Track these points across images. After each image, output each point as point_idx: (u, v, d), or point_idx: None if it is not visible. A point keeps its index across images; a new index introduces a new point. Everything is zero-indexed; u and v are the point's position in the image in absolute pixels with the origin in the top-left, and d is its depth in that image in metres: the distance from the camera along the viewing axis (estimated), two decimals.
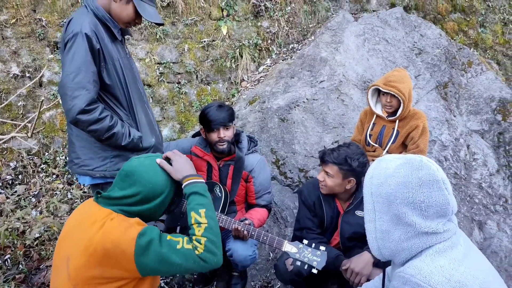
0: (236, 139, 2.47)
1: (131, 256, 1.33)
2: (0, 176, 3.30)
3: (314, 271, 1.88)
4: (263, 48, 4.54)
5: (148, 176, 1.47)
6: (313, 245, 1.94)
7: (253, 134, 3.53)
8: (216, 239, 1.42)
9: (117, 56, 1.97)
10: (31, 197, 3.27)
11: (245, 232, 2.15)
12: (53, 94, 3.60)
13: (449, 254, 1.12)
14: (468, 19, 5.44)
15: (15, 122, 3.20)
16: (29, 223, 2.94)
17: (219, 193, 2.38)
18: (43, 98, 3.49)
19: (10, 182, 3.34)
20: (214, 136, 2.32)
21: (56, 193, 3.32)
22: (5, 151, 3.40)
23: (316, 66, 4.05)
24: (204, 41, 4.23)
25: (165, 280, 2.72)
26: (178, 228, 2.22)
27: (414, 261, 1.13)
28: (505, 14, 5.63)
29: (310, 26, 4.78)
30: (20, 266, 2.72)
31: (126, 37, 2.18)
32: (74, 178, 3.47)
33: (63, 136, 3.59)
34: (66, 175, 3.49)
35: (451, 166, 3.52)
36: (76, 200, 3.29)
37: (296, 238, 2.36)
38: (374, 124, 2.85)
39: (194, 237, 1.41)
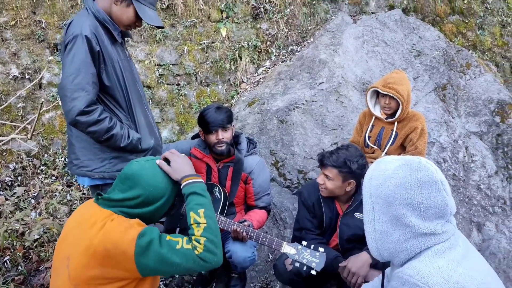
0: (235, 141, 2.47)
1: (131, 256, 1.33)
2: None
3: (313, 272, 1.88)
4: (262, 50, 4.55)
5: (149, 179, 1.47)
6: (312, 246, 1.94)
7: (252, 135, 3.53)
8: (215, 239, 1.42)
9: (116, 58, 1.98)
10: (30, 198, 3.28)
11: (244, 233, 2.16)
12: (53, 96, 3.60)
13: (448, 255, 1.13)
14: (466, 21, 5.46)
15: (14, 124, 3.20)
16: (28, 224, 2.94)
17: (218, 195, 2.38)
18: (42, 100, 3.50)
19: (10, 184, 3.34)
20: (212, 138, 2.33)
21: (55, 195, 3.33)
22: (5, 153, 3.40)
23: (315, 68, 4.06)
24: (204, 43, 4.24)
25: (164, 282, 2.72)
26: (178, 229, 2.23)
27: (413, 262, 1.14)
28: (503, 16, 5.65)
29: (309, 28, 4.80)
30: (20, 267, 2.72)
31: (125, 39, 2.19)
32: (74, 180, 3.48)
33: (63, 138, 3.60)
34: (65, 177, 3.49)
35: (450, 168, 3.53)
36: (75, 202, 3.30)
37: (296, 238, 2.37)
38: (373, 125, 2.86)
39: (193, 237, 1.41)
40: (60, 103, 3.55)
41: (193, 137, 2.63)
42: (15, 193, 3.25)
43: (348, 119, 3.70)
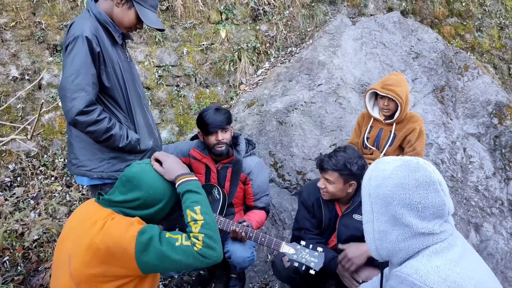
0: (234, 142, 2.48)
1: (132, 254, 1.34)
2: None
3: (312, 272, 1.90)
4: (261, 52, 4.57)
5: (149, 182, 1.48)
6: (311, 246, 1.95)
7: (252, 137, 3.55)
8: (213, 234, 1.42)
9: (117, 60, 1.99)
10: (29, 199, 3.28)
11: (243, 233, 2.17)
12: (52, 97, 3.61)
13: (446, 254, 1.14)
14: (465, 23, 5.49)
15: (14, 125, 3.20)
16: (27, 225, 2.94)
17: (217, 195, 2.39)
18: (43, 100, 3.50)
19: (9, 184, 3.34)
20: (212, 139, 2.34)
21: (54, 195, 3.33)
22: (4, 153, 3.41)
23: (314, 70, 4.08)
24: (203, 45, 4.25)
25: (163, 282, 2.73)
26: (177, 229, 2.24)
27: (411, 261, 1.15)
28: (501, 18, 5.68)
29: (308, 30, 4.82)
30: (19, 268, 2.72)
31: (126, 40, 2.21)
32: (73, 181, 3.48)
33: (62, 139, 3.60)
34: (64, 177, 3.49)
35: (448, 169, 3.55)
36: (74, 202, 3.30)
37: (295, 237, 2.38)
38: (371, 127, 2.87)
39: (191, 234, 1.42)
40: (60, 104, 3.57)
41: (192, 138, 2.64)
42: (14, 193, 3.25)
43: (347, 121, 3.72)
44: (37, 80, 3.41)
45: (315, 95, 3.86)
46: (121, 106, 2.05)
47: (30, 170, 3.42)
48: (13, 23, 3.59)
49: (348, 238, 2.20)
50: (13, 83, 3.54)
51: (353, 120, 3.59)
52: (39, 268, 2.74)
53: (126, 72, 2.06)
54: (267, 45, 4.60)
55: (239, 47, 4.40)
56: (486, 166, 3.73)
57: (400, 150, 2.83)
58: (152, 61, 4.01)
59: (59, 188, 3.40)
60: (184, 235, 1.42)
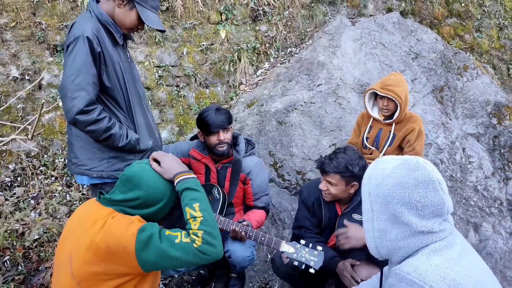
0: (234, 142, 2.49)
1: (132, 252, 1.35)
2: None
3: (312, 270, 1.90)
4: (261, 52, 4.58)
5: (149, 182, 1.49)
6: (311, 245, 1.96)
7: (251, 137, 3.56)
8: (213, 231, 1.42)
9: (117, 60, 2.00)
10: (30, 199, 3.29)
11: (243, 233, 2.18)
12: (53, 97, 3.62)
13: (445, 253, 1.14)
14: (464, 24, 5.51)
15: (14, 125, 3.21)
16: (28, 224, 2.95)
17: (217, 195, 2.40)
18: (43, 100, 3.51)
19: (9, 184, 3.35)
20: (213, 139, 2.34)
21: (55, 195, 3.34)
22: (4, 153, 3.41)
23: (314, 70, 4.09)
24: (203, 45, 4.26)
25: (164, 282, 2.74)
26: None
27: (410, 259, 1.15)
28: (500, 19, 5.70)
29: (307, 30, 4.83)
30: (20, 267, 2.73)
31: (127, 41, 2.22)
32: (73, 181, 3.49)
33: (62, 139, 3.61)
34: (65, 177, 3.50)
35: (447, 169, 3.56)
36: (75, 202, 3.31)
37: (295, 235, 2.39)
38: (371, 127, 2.88)
39: (191, 231, 1.42)
40: (60, 104, 3.58)
41: (191, 139, 2.65)
42: (14, 193, 3.26)
43: (346, 121, 3.73)
44: (38, 80, 3.42)
45: (314, 95, 3.87)
46: (121, 106, 2.06)
47: (31, 170, 3.42)
48: (14, 24, 3.60)
49: None
50: (13, 83, 3.55)
51: (353, 120, 3.60)
52: (40, 268, 2.75)
53: (127, 72, 2.07)
54: (267, 45, 4.61)
55: (239, 47, 4.41)
56: (485, 166, 3.75)
57: (400, 150, 2.84)
58: (152, 61, 4.02)
59: (60, 188, 3.41)
60: (183, 232, 1.43)
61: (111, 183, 2.03)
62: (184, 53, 4.18)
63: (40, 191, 3.34)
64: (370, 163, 1.97)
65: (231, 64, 4.37)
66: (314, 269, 1.90)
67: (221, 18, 4.41)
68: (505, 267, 3.10)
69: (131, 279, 1.41)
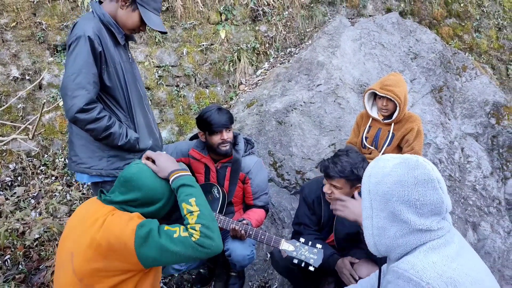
0: (233, 141, 2.51)
1: (132, 247, 1.36)
2: None
3: (311, 268, 1.92)
4: (261, 52, 4.59)
5: (147, 182, 1.51)
6: (310, 243, 1.97)
7: (251, 136, 3.57)
8: (210, 224, 1.43)
9: (119, 60, 2.02)
10: (30, 198, 3.29)
11: (243, 231, 2.19)
12: (53, 97, 3.63)
13: (442, 251, 1.15)
14: (463, 24, 5.52)
15: (15, 124, 3.22)
16: (28, 224, 2.96)
17: (217, 194, 2.41)
18: (44, 100, 3.52)
19: (10, 184, 3.36)
20: (216, 139, 2.35)
21: (55, 195, 3.35)
22: (5, 153, 3.42)
23: (313, 70, 4.10)
24: (203, 45, 4.28)
25: (164, 281, 2.75)
26: None
27: (408, 256, 1.16)
28: (499, 19, 5.71)
29: (307, 30, 4.84)
30: (20, 266, 2.73)
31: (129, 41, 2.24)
32: (73, 180, 3.50)
33: (62, 138, 3.62)
34: (65, 177, 3.51)
35: (446, 169, 3.57)
36: (75, 202, 3.32)
37: (294, 231, 2.40)
38: (370, 127, 2.89)
39: (188, 226, 1.43)
40: (61, 104, 3.59)
41: (191, 138, 2.66)
42: (15, 193, 3.26)
43: (346, 121, 3.74)
44: (38, 81, 3.43)
45: (314, 95, 3.88)
46: (121, 105, 2.07)
47: (31, 169, 3.43)
48: (14, 24, 3.61)
49: (345, 236, 2.22)
50: (13, 83, 3.56)
51: (352, 120, 3.62)
52: (40, 267, 2.76)
53: (128, 72, 2.09)
54: (267, 45, 4.62)
55: (239, 47, 4.42)
56: (483, 165, 3.76)
57: (399, 149, 2.85)
58: (152, 61, 4.03)
59: (60, 187, 3.42)
60: (182, 227, 1.44)
61: (111, 181, 2.04)
62: (184, 53, 4.19)
63: (40, 190, 3.35)
64: (369, 163, 1.98)
65: (231, 64, 4.39)
66: (313, 266, 1.92)
67: (221, 18, 4.43)
68: (503, 266, 3.12)
69: (133, 276, 1.42)
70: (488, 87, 4.28)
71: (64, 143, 3.59)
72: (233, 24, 4.47)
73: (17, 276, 2.66)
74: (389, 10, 5.18)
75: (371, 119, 2.89)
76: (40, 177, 3.43)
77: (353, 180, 2.05)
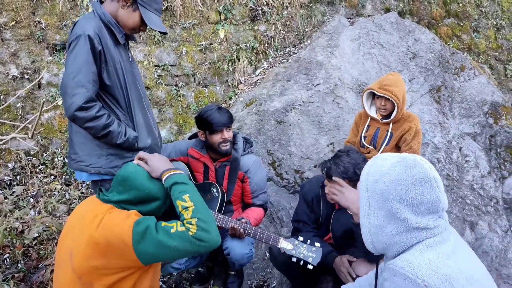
0: (232, 141, 2.52)
1: (129, 244, 1.37)
2: None
3: (310, 266, 1.93)
4: (260, 52, 4.60)
5: (144, 181, 1.52)
6: (309, 241, 1.98)
7: (250, 136, 3.58)
8: (206, 218, 1.43)
9: (119, 59, 2.03)
10: (29, 197, 3.30)
11: (242, 230, 2.20)
12: (52, 96, 3.63)
13: (438, 248, 1.16)
14: (461, 24, 5.54)
15: (15, 123, 3.23)
16: (27, 223, 2.96)
17: (215, 193, 2.42)
18: (44, 99, 3.53)
19: (9, 183, 3.36)
20: (217, 138, 2.36)
21: (54, 194, 3.35)
22: (4, 152, 3.43)
23: (312, 70, 4.11)
24: (202, 44, 4.28)
25: (163, 279, 2.76)
26: None
27: (405, 254, 1.17)
28: (497, 19, 5.73)
29: (306, 30, 4.85)
30: (19, 265, 2.74)
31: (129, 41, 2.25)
32: (72, 179, 3.51)
33: (61, 138, 3.63)
34: (64, 176, 3.52)
35: (444, 168, 3.59)
36: (74, 201, 3.32)
37: (294, 228, 2.42)
38: (368, 126, 2.91)
39: (185, 221, 1.43)
40: (60, 103, 3.59)
41: (190, 138, 2.67)
42: (14, 192, 3.27)
43: (344, 120, 3.76)
44: (37, 80, 3.43)
45: (313, 94, 3.89)
46: (120, 104, 2.09)
47: (30, 168, 3.44)
48: (13, 23, 3.62)
49: (343, 234, 2.23)
50: (12, 82, 3.56)
51: (351, 120, 3.63)
52: (39, 266, 2.76)
53: (128, 71, 2.10)
54: (266, 45, 4.63)
55: (238, 47, 4.43)
56: (481, 165, 3.78)
57: (397, 149, 2.86)
58: (151, 61, 4.04)
59: (59, 186, 3.42)
60: (179, 222, 1.44)
61: (110, 179, 2.05)
62: (183, 53, 4.20)
63: (39, 189, 3.36)
64: None
65: (230, 63, 4.39)
66: (312, 265, 1.93)
67: (220, 17, 4.43)
68: (500, 265, 3.13)
69: (132, 273, 1.43)
70: (486, 87, 4.29)
71: (63, 142, 3.60)
72: (232, 23, 4.48)
73: (16, 275, 2.66)
74: (388, 10, 5.19)
75: (369, 118, 2.90)
76: (39, 176, 3.44)
77: (355, 180, 2.03)
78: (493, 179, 3.75)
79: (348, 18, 4.92)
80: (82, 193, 3.41)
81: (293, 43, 4.79)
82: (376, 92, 2.74)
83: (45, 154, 3.54)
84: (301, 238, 2.01)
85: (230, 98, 4.36)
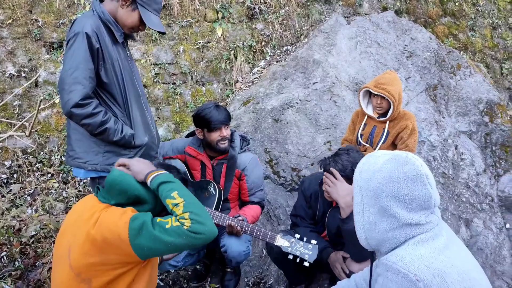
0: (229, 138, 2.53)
1: (126, 240, 1.38)
2: None
3: (306, 264, 1.95)
4: (257, 50, 4.60)
5: (132, 182, 1.51)
6: (305, 239, 2.00)
7: (247, 134, 3.59)
8: (199, 211, 1.43)
9: (117, 57, 2.04)
10: (26, 195, 3.30)
11: (239, 227, 2.22)
12: (49, 94, 3.63)
13: (430, 243, 1.18)
14: (458, 23, 5.56)
15: (12, 121, 3.23)
16: (25, 221, 2.97)
17: (213, 191, 2.44)
18: (41, 97, 3.53)
19: (5, 181, 3.37)
20: (215, 135, 2.38)
21: (51, 192, 3.36)
22: (1, 150, 3.43)
23: (309, 68, 4.12)
24: (199, 43, 4.29)
25: (160, 277, 2.77)
26: None
27: (397, 250, 1.19)
28: (494, 18, 5.75)
29: (303, 28, 4.86)
30: (16, 263, 2.75)
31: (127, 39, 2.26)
32: (69, 177, 3.51)
33: (59, 136, 3.63)
34: (61, 174, 3.52)
35: (440, 166, 3.61)
36: (71, 199, 3.33)
37: (292, 223, 2.45)
38: (365, 124, 2.92)
39: (178, 217, 1.43)
40: (57, 101, 3.59)
41: (187, 136, 2.68)
42: (11, 190, 3.27)
43: (341, 118, 3.77)
44: (34, 78, 3.43)
45: (310, 93, 3.91)
46: (118, 101, 2.10)
47: (27, 167, 3.44)
48: (10, 21, 3.61)
49: (337, 231, 2.24)
50: (9, 81, 3.56)
51: (347, 118, 3.65)
52: (37, 263, 2.77)
53: (125, 70, 2.11)
54: (263, 43, 4.64)
55: (235, 45, 4.44)
56: (477, 163, 3.80)
57: (393, 147, 2.88)
58: (149, 59, 4.04)
59: (56, 184, 3.43)
60: (173, 217, 1.44)
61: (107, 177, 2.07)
62: (181, 51, 4.20)
63: (36, 188, 3.36)
64: None
65: (227, 62, 4.40)
66: (308, 262, 1.95)
67: (218, 16, 4.44)
68: (495, 262, 3.16)
69: (130, 269, 1.44)
70: (482, 86, 4.32)
71: (60, 141, 3.60)
72: (230, 22, 4.49)
73: (13, 273, 2.67)
74: (384, 9, 5.21)
75: (366, 116, 2.92)
76: (36, 174, 3.44)
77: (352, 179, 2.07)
78: (488, 177, 3.78)
79: (345, 17, 4.94)
80: (79, 191, 3.41)
81: (291, 42, 4.80)
82: (372, 91, 2.75)
83: (42, 152, 3.54)
84: (297, 236, 2.02)
85: (228, 96, 4.37)
